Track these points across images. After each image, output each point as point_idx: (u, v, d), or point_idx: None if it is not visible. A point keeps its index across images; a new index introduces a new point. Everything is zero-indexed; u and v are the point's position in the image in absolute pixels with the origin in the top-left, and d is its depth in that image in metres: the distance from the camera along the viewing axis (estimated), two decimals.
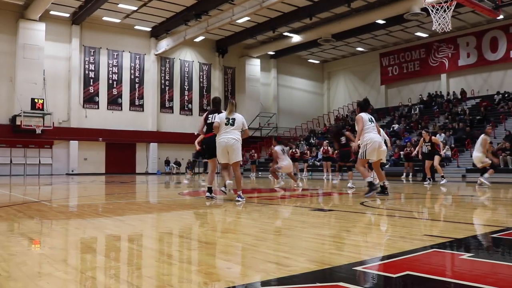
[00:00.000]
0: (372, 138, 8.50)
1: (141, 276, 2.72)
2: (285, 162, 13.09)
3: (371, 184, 8.64)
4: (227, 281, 2.52)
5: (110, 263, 3.14)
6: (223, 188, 8.69)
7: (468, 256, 3.18)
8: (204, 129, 8.54)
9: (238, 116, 7.97)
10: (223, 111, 8.28)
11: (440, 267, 2.97)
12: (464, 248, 3.61)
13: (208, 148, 8.51)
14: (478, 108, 29.46)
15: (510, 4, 23.10)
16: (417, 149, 16.46)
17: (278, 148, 13.20)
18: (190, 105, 36.59)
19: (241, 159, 8.05)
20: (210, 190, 8.32)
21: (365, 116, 8.73)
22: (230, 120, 7.86)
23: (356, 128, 8.82)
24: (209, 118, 8.33)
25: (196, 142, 14.75)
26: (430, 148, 14.93)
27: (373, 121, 8.78)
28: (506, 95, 29.27)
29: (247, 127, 8.14)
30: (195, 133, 35.73)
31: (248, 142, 36.63)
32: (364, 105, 9.03)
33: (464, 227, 4.68)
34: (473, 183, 16.59)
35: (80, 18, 30.11)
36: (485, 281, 2.54)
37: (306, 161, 27.20)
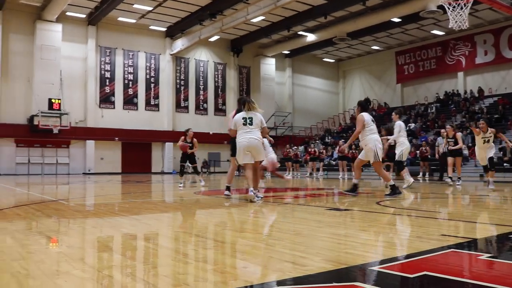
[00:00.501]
0: (375, 138, 8.28)
1: (157, 274, 2.73)
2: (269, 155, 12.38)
3: (394, 187, 8.34)
4: (243, 280, 2.51)
5: (126, 261, 3.15)
6: (227, 192, 8.46)
7: (487, 257, 3.13)
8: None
9: (256, 115, 7.67)
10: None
11: (458, 267, 2.94)
12: (483, 249, 3.56)
13: (233, 148, 8.05)
14: (496, 106, 29.09)
15: None
16: (443, 146, 15.46)
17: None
18: (205, 105, 36.71)
19: (264, 158, 8.00)
20: (228, 188, 8.32)
21: (367, 116, 8.44)
22: (248, 120, 7.58)
23: (355, 128, 8.54)
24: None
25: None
26: (453, 144, 13.61)
27: (373, 122, 8.49)
28: None
29: (265, 125, 7.87)
30: (210, 133, 36.05)
31: None
32: (365, 105, 8.71)
33: (482, 227, 4.62)
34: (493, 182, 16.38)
35: (96, 18, 30.40)
36: (504, 282, 2.50)
37: (322, 160, 27.09)
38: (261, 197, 7.65)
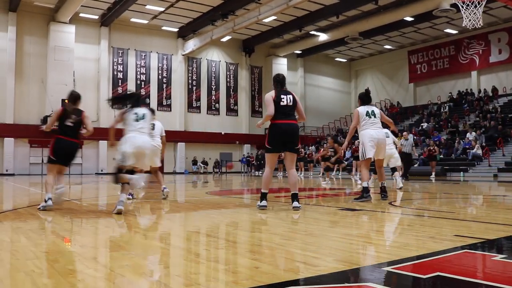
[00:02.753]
0: (367, 134, 7.63)
1: (169, 274, 2.75)
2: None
3: (365, 190, 7.53)
4: (255, 280, 2.52)
5: (139, 261, 3.17)
6: (263, 203, 6.55)
7: (501, 258, 3.10)
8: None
9: (293, 96, 6.57)
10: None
11: (471, 268, 2.92)
12: (496, 249, 3.53)
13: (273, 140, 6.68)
14: (510, 106, 28.79)
15: None
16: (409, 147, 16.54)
17: None
18: (217, 105, 36.79)
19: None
20: (265, 196, 6.59)
21: (362, 110, 7.81)
22: (288, 100, 6.44)
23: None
24: (283, 99, 6.45)
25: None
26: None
27: (373, 115, 7.71)
28: None
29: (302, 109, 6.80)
30: (222, 133, 36.08)
31: None
32: (364, 97, 8.03)
33: (496, 227, 4.58)
34: (505, 182, 16.24)
35: (109, 20, 30.60)
36: None
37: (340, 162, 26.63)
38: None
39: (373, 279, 2.58)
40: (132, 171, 6.26)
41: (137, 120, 6.53)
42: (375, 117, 7.71)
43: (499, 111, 28.05)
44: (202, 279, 2.64)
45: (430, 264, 2.93)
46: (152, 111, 7.28)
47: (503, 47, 32.52)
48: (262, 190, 6.54)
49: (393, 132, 10.29)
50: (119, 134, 6.56)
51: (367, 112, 7.72)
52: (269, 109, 6.40)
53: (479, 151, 22.95)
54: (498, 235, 4.02)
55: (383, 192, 7.75)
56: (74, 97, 7.24)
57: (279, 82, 6.64)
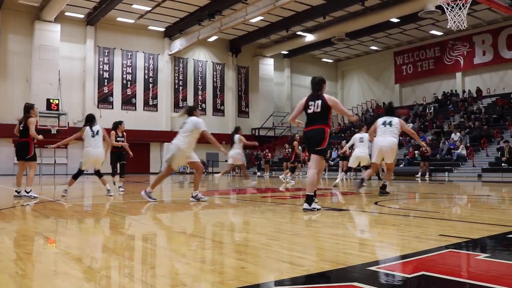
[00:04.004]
0: (375, 141, 8.94)
1: (155, 275, 2.73)
2: (231, 152, 13.61)
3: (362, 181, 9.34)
4: (241, 281, 2.51)
5: (124, 262, 3.15)
6: (314, 206, 6.27)
7: (484, 257, 3.14)
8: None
9: (323, 100, 6.43)
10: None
11: (455, 267, 2.94)
12: (480, 249, 3.57)
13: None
14: (494, 106, 29.13)
15: None
16: None
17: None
18: (203, 105, 36.68)
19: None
20: (313, 198, 6.30)
21: (380, 120, 9.03)
22: (315, 107, 6.42)
23: None
24: (310, 106, 6.47)
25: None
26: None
27: (389, 125, 8.74)
28: None
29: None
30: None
31: (262, 142, 36.70)
32: (386, 109, 9.51)
33: (480, 227, 4.63)
34: (489, 182, 16.43)
35: (95, 19, 30.36)
36: (502, 282, 2.50)
37: (327, 161, 26.88)
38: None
39: (359, 279, 2.59)
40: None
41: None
42: (390, 126, 8.77)
43: (483, 112, 28.37)
44: (188, 279, 2.63)
45: (415, 263, 2.95)
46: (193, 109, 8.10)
47: (487, 48, 32.90)
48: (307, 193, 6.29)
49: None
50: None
51: (384, 121, 8.85)
52: (292, 115, 6.92)
53: (464, 152, 23.19)
54: (482, 235, 4.06)
55: (382, 189, 9.02)
56: (25, 108, 9.43)
57: (312, 86, 6.74)
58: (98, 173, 9.59)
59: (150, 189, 7.88)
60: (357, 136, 12.91)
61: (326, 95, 6.48)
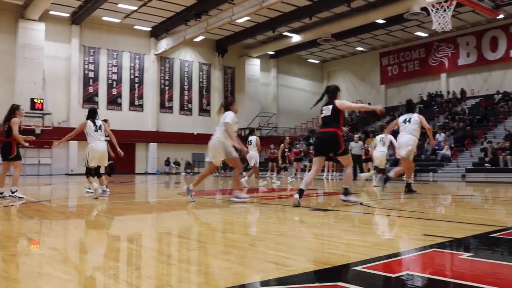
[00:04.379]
0: (405, 140, 9.40)
1: (141, 276, 2.72)
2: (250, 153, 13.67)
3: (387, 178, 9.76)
4: (227, 281, 2.52)
5: (109, 263, 3.14)
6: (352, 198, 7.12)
7: (468, 256, 3.17)
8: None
9: (334, 104, 7.05)
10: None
11: (439, 266, 2.97)
12: (464, 248, 3.61)
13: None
14: (478, 107, 29.46)
15: (510, 3, 23.11)
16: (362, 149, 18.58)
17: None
18: (189, 105, 36.59)
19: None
20: (349, 192, 7.07)
21: (400, 118, 9.73)
22: (327, 111, 7.08)
23: None
24: (323, 111, 7.18)
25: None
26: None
27: (408, 122, 9.39)
28: (506, 96, 29.19)
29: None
30: (195, 133, 35.88)
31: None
32: (405, 106, 10.19)
33: (464, 226, 4.68)
34: (473, 182, 16.61)
35: (80, 18, 30.11)
36: (485, 281, 2.54)
37: (311, 161, 26.85)
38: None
39: (344, 279, 2.61)
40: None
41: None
42: (409, 122, 9.34)
43: (467, 112, 28.67)
44: (174, 280, 2.63)
45: (400, 263, 2.98)
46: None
47: (471, 50, 33.26)
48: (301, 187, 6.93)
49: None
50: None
51: (405, 119, 9.46)
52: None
53: (448, 152, 23.40)
54: (465, 234, 4.11)
55: (408, 188, 9.64)
56: (10, 108, 9.43)
57: (327, 94, 7.32)
58: (98, 172, 9.23)
59: (192, 187, 7.85)
60: (378, 137, 13.74)
61: (337, 101, 7.06)
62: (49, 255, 3.35)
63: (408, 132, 9.32)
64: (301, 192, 6.82)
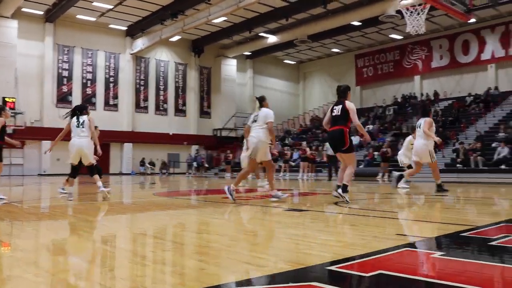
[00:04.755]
0: (422, 142, 9.84)
1: (115, 277, 2.70)
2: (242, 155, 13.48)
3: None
4: (201, 282, 2.51)
5: (82, 264, 3.10)
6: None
7: (439, 255, 3.23)
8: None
9: (343, 105, 7.42)
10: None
11: (412, 266, 3.02)
12: (435, 247, 3.67)
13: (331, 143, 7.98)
14: (450, 109, 29.99)
15: (481, 8, 23.60)
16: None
17: None
18: (165, 105, 36.37)
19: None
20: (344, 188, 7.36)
21: (417, 123, 10.17)
22: (337, 111, 7.51)
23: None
24: (334, 110, 7.52)
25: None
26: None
27: (419, 127, 9.88)
28: (477, 98, 29.78)
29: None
30: (170, 133, 35.65)
31: (223, 143, 36.64)
32: (420, 110, 10.89)
33: (436, 226, 4.76)
34: (445, 182, 16.86)
35: (54, 16, 29.66)
36: (456, 279, 2.59)
37: (287, 162, 26.91)
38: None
39: (318, 278, 2.63)
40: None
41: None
42: (419, 128, 9.85)
43: (440, 114, 29.16)
44: (148, 281, 2.61)
45: (373, 262, 3.01)
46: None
47: (444, 53, 33.86)
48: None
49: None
50: None
51: (418, 124, 9.95)
52: (324, 120, 7.91)
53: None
54: (437, 233, 4.18)
55: (439, 187, 9.95)
56: None
57: (338, 93, 7.70)
58: (89, 170, 8.92)
59: (233, 186, 7.74)
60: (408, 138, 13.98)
61: (347, 101, 7.43)
62: (20, 257, 3.29)
63: (419, 136, 9.87)
64: (345, 187, 7.22)
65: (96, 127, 9.69)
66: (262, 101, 8.00)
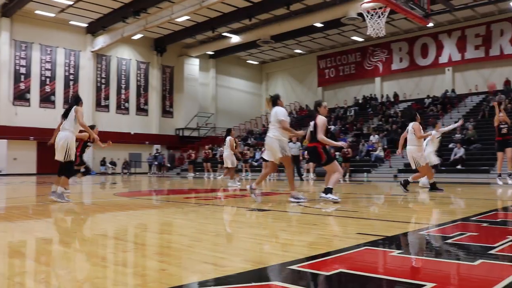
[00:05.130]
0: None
1: (74, 280, 2.65)
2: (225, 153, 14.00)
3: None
4: (162, 283, 2.49)
5: (40, 267, 3.03)
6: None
7: (398, 253, 3.31)
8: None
9: (315, 119, 7.72)
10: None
11: (371, 264, 3.07)
12: (394, 246, 3.75)
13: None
14: (409, 110, 30.67)
15: (439, 13, 24.27)
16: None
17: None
18: (127, 104, 35.84)
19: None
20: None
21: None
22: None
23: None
24: (310, 126, 7.77)
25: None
26: (506, 131, 13.30)
27: (407, 132, 10.19)
28: (435, 100, 30.57)
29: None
30: (131, 133, 35.16)
31: (186, 142, 36.43)
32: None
33: (395, 225, 4.86)
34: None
35: (11, 10, 28.76)
36: (413, 276, 2.65)
37: (246, 161, 27.14)
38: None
39: (279, 278, 2.65)
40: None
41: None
42: (408, 132, 10.14)
43: (400, 115, 29.80)
44: (109, 283, 2.57)
45: (334, 261, 3.05)
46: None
47: (403, 56, 34.65)
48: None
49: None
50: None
51: (407, 129, 10.15)
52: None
53: (381, 153, 24.22)
54: (396, 232, 4.27)
55: (431, 186, 10.19)
56: None
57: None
58: (60, 170, 7.98)
59: (255, 185, 7.65)
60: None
61: (318, 116, 7.61)
62: None
63: (409, 143, 10.10)
64: (329, 190, 7.49)
65: (94, 126, 9.44)
66: (276, 100, 7.88)
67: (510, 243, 3.62)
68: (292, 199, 7.60)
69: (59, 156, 7.79)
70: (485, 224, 4.86)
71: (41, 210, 6.97)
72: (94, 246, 3.90)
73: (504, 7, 28.32)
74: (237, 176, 15.85)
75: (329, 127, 9.87)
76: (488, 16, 30.35)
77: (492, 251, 3.28)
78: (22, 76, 30.41)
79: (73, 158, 7.83)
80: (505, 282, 2.44)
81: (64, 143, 7.75)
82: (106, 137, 13.80)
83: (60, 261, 3.28)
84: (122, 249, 3.69)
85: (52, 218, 6.03)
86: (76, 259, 3.32)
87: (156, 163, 33.38)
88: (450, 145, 22.04)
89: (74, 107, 7.86)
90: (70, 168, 7.85)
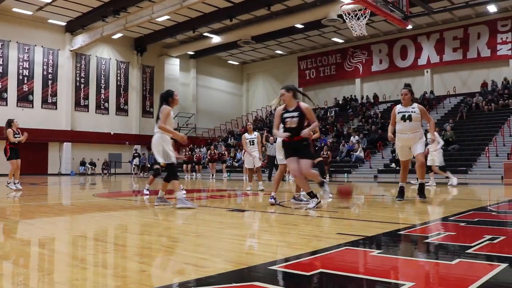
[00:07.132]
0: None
1: (52, 282, 2.61)
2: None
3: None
4: (143, 285, 2.48)
5: (18, 269, 2.98)
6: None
7: (378, 253, 3.34)
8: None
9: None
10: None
11: (351, 264, 3.10)
12: (374, 245, 3.78)
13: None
14: (389, 112, 30.92)
15: (418, 15, 24.54)
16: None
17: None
18: (106, 104, 35.51)
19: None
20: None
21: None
22: None
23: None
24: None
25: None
26: None
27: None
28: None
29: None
30: (111, 133, 34.85)
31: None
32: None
33: (375, 225, 4.90)
34: (384, 182, 17.41)
35: None
36: (392, 276, 2.68)
37: (224, 162, 27.23)
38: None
39: (260, 278, 2.65)
40: None
41: None
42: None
43: (380, 116, 30.09)
44: (88, 285, 2.54)
45: (314, 261, 3.07)
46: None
47: (383, 57, 35.01)
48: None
49: None
50: None
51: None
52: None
53: (362, 154, 24.41)
54: (376, 232, 4.31)
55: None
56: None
57: None
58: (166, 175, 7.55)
59: (274, 193, 7.38)
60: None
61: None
62: None
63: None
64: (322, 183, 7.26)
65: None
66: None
67: (486, 242, 3.68)
68: (295, 201, 7.71)
69: (160, 160, 7.30)
70: (462, 224, 4.93)
71: (19, 211, 6.87)
72: (73, 248, 3.85)
73: (481, 10, 28.85)
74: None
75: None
76: (466, 19, 30.86)
77: (470, 250, 3.33)
78: None
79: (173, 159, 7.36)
80: (482, 280, 2.48)
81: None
82: (86, 137, 13.68)
83: (38, 262, 3.23)
84: (101, 250, 3.65)
85: (30, 219, 5.94)
86: (54, 260, 3.28)
87: (134, 161, 33.20)
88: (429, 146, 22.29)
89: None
90: (173, 170, 7.37)
